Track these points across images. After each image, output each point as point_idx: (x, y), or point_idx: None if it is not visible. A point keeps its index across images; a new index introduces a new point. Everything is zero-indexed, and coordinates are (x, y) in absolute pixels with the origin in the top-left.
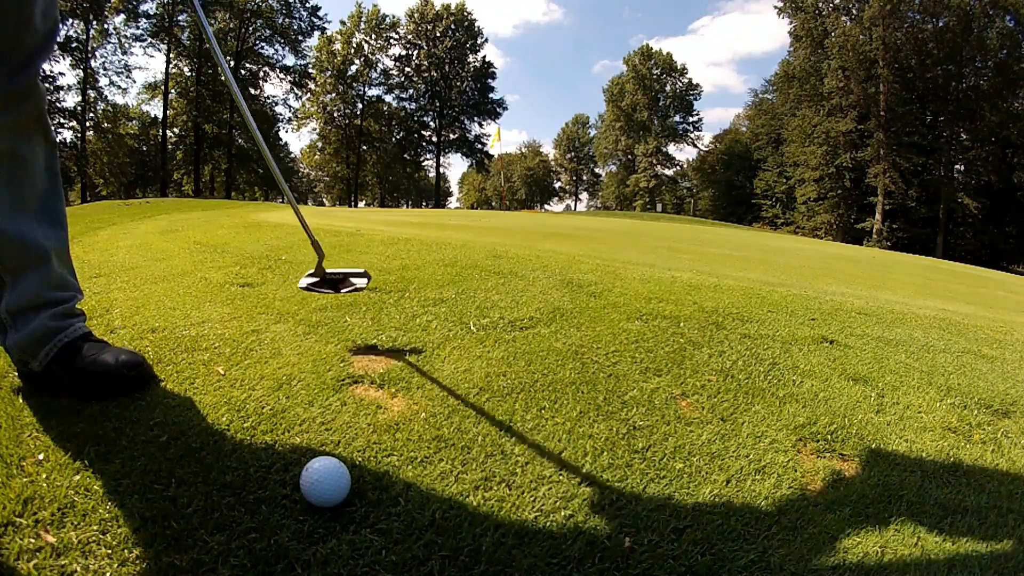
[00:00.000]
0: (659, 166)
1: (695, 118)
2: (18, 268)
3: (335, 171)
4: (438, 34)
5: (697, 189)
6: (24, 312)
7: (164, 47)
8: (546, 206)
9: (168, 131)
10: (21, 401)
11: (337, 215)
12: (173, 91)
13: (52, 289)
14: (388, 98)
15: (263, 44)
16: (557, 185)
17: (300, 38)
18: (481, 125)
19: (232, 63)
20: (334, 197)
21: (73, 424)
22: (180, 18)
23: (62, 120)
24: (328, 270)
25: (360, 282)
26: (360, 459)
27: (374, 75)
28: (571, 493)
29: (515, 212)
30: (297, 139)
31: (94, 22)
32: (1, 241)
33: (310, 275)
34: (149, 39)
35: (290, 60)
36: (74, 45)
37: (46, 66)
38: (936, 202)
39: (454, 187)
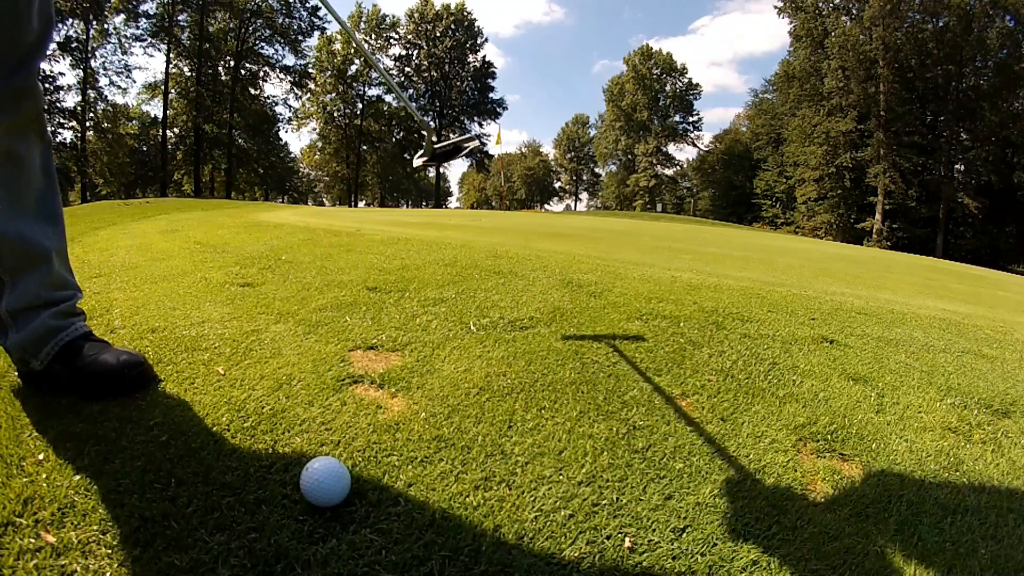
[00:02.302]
0: (659, 166)
1: (695, 118)
2: (18, 269)
3: (335, 171)
4: (438, 34)
5: (697, 189)
6: (24, 312)
7: (164, 47)
8: (546, 206)
9: (168, 131)
10: (21, 401)
11: (337, 215)
12: (173, 91)
13: (52, 289)
14: (388, 98)
15: (263, 44)
16: (557, 185)
17: (300, 38)
18: (481, 125)
19: (232, 63)
20: (334, 197)
21: (73, 424)
22: (180, 18)
23: (62, 120)
24: (437, 145)
25: (473, 143)
26: (360, 459)
27: (374, 75)
28: (571, 493)
29: (515, 212)
30: (297, 139)
31: (94, 22)
32: (1, 243)
33: (420, 155)
34: (149, 39)
35: (290, 60)
36: (74, 45)
37: (45, 66)
38: (936, 202)
39: (454, 187)
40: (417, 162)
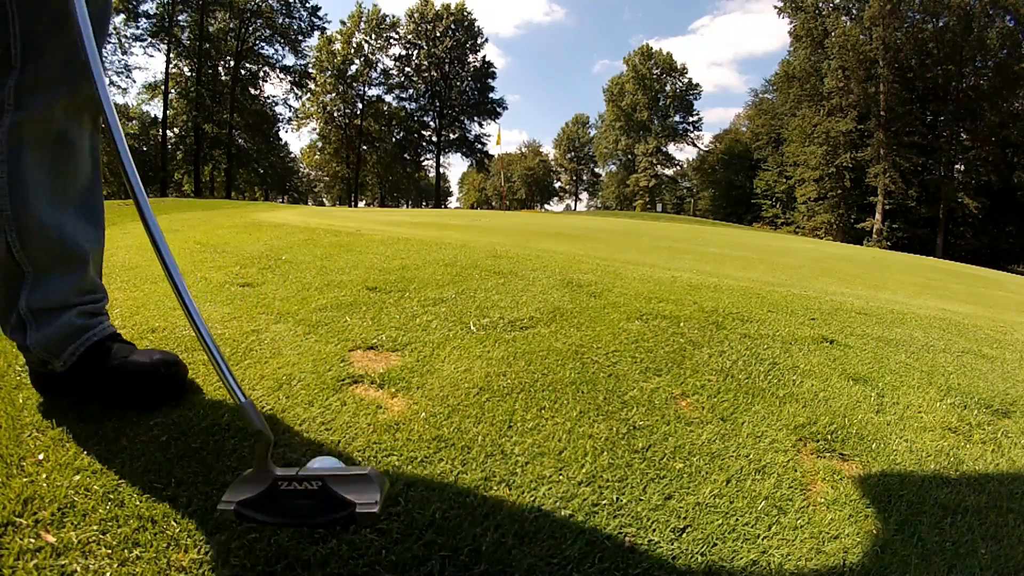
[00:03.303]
0: (659, 166)
1: (695, 118)
2: (48, 265)
3: (335, 171)
4: (438, 34)
5: (697, 189)
6: (48, 311)
7: (164, 47)
8: (546, 206)
9: (168, 131)
10: (21, 401)
11: (337, 215)
12: (173, 91)
13: (83, 293)
14: (388, 98)
15: (263, 44)
16: (557, 185)
17: (300, 38)
18: (481, 125)
19: (232, 63)
20: (334, 197)
21: (73, 424)
22: (180, 18)
23: None
24: (281, 471)
25: (366, 500)
26: (360, 459)
27: (374, 75)
28: (571, 493)
29: (515, 212)
30: (297, 139)
31: None
32: (36, 233)
33: (245, 482)
34: (149, 39)
35: (290, 60)
36: None
37: None
38: (936, 202)
39: (454, 187)
40: (225, 503)
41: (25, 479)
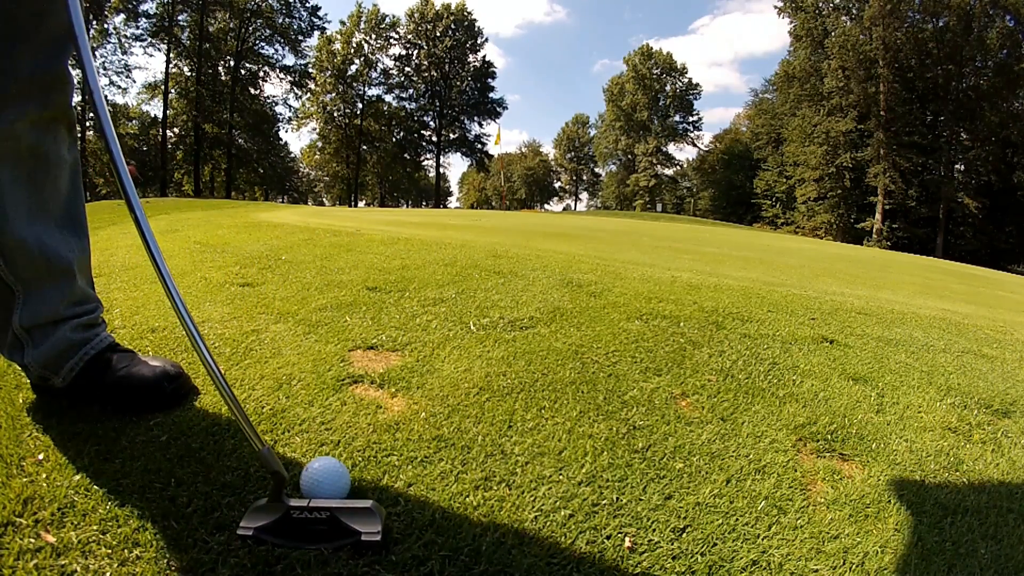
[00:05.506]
0: (659, 166)
1: (695, 118)
2: (34, 281)
3: (335, 171)
4: (438, 34)
5: (697, 189)
6: (42, 327)
7: (164, 47)
8: (546, 206)
9: (168, 131)
10: (21, 401)
11: (337, 215)
12: (173, 91)
13: (73, 305)
14: (388, 98)
15: (263, 44)
16: (557, 185)
17: (300, 38)
18: (481, 125)
19: (232, 63)
20: (334, 197)
21: (73, 424)
22: (180, 18)
23: None
24: (294, 502)
25: (370, 529)
26: (360, 459)
27: (374, 75)
28: (571, 493)
29: (515, 212)
30: (297, 139)
31: (94, 22)
32: (17, 250)
33: (261, 510)
34: (149, 39)
35: (290, 60)
36: None
37: None
38: (936, 202)
39: (454, 187)
40: (244, 529)
41: (25, 479)
